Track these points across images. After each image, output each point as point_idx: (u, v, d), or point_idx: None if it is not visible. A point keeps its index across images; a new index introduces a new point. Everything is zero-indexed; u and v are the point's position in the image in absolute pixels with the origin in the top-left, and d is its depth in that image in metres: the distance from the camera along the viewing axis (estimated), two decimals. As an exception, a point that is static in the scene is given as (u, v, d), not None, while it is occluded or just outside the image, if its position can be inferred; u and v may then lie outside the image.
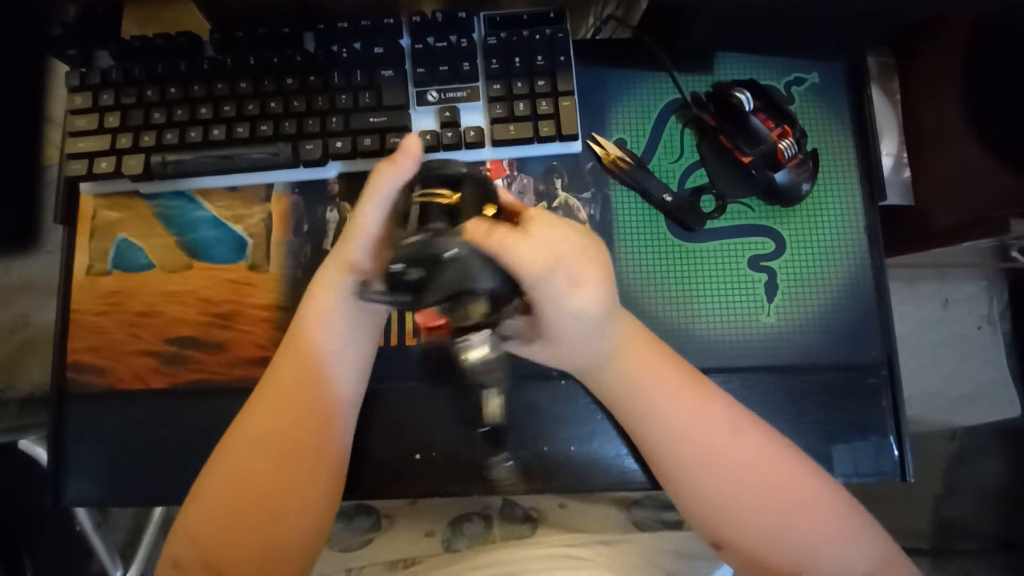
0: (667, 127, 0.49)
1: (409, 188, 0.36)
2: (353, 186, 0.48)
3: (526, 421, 0.44)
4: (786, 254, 0.47)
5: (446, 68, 0.46)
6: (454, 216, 0.33)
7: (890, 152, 0.54)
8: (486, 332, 0.31)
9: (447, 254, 0.31)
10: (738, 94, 0.44)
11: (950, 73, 0.52)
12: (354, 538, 0.52)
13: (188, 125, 0.45)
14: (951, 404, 0.95)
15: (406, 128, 0.46)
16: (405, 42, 0.48)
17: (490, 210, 0.35)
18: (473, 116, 0.47)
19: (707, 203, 0.47)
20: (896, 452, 0.44)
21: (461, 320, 0.31)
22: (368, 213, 0.36)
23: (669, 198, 0.47)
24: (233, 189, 0.48)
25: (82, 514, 1.02)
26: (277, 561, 0.37)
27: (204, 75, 0.46)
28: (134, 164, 0.45)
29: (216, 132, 0.45)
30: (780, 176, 0.44)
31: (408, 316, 0.46)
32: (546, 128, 0.46)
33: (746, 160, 0.44)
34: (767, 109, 0.45)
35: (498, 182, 0.48)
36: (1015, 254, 0.73)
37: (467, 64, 0.46)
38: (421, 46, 0.47)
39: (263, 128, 0.45)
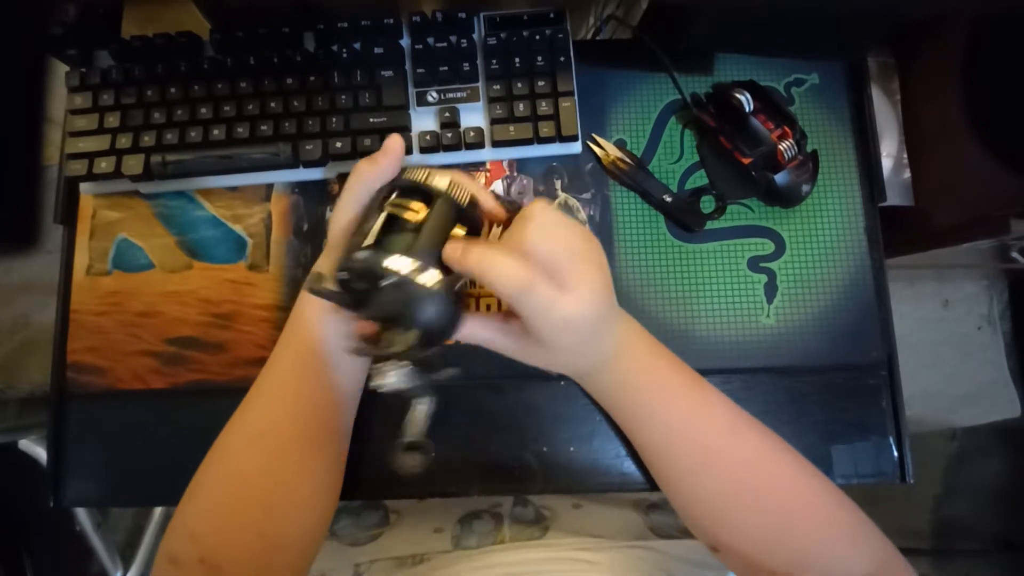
0: (667, 128, 0.49)
1: (389, 189, 0.36)
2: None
3: (526, 421, 0.44)
4: (786, 255, 0.47)
5: (446, 68, 0.46)
6: (417, 233, 0.33)
7: (890, 152, 0.54)
8: (405, 366, 0.31)
9: (384, 282, 0.31)
10: (738, 95, 0.44)
11: (950, 73, 0.51)
12: (362, 533, 0.51)
13: (188, 125, 0.45)
14: (951, 404, 0.95)
15: (406, 128, 0.46)
16: (405, 42, 0.48)
17: (460, 231, 0.34)
18: (473, 117, 0.47)
19: (707, 204, 0.47)
20: (896, 452, 0.44)
21: (386, 346, 0.31)
22: (348, 211, 0.37)
23: (669, 199, 0.47)
24: (233, 189, 0.48)
25: (82, 514, 1.02)
26: (275, 557, 0.37)
27: (204, 75, 0.46)
28: (134, 164, 0.45)
29: (216, 132, 0.45)
30: (780, 177, 0.44)
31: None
32: (546, 129, 0.46)
33: (746, 161, 0.44)
34: (767, 110, 0.45)
35: (496, 184, 0.48)
36: (1015, 254, 0.73)
37: (467, 64, 0.46)
38: (421, 46, 0.47)
39: (263, 128, 0.45)
